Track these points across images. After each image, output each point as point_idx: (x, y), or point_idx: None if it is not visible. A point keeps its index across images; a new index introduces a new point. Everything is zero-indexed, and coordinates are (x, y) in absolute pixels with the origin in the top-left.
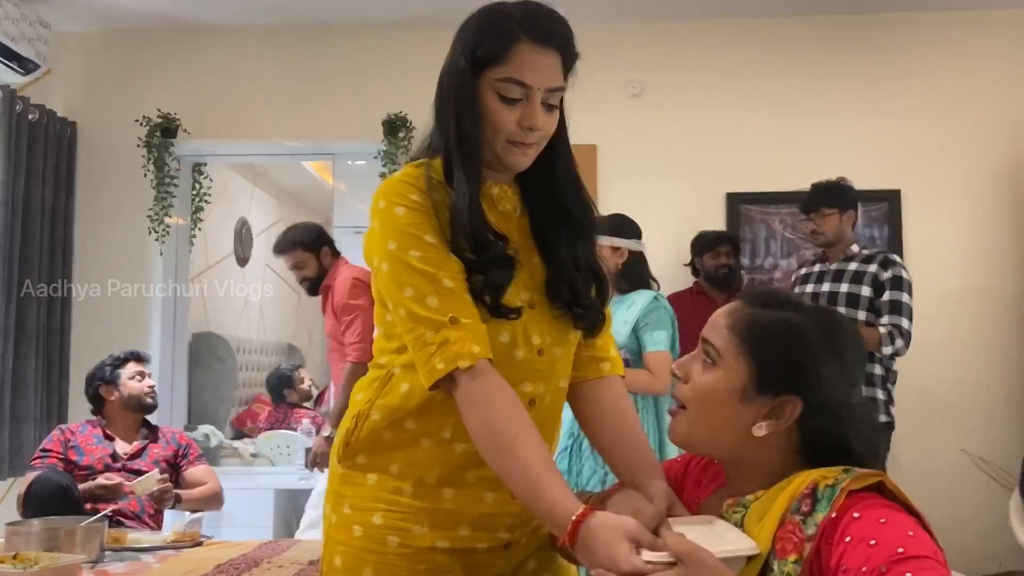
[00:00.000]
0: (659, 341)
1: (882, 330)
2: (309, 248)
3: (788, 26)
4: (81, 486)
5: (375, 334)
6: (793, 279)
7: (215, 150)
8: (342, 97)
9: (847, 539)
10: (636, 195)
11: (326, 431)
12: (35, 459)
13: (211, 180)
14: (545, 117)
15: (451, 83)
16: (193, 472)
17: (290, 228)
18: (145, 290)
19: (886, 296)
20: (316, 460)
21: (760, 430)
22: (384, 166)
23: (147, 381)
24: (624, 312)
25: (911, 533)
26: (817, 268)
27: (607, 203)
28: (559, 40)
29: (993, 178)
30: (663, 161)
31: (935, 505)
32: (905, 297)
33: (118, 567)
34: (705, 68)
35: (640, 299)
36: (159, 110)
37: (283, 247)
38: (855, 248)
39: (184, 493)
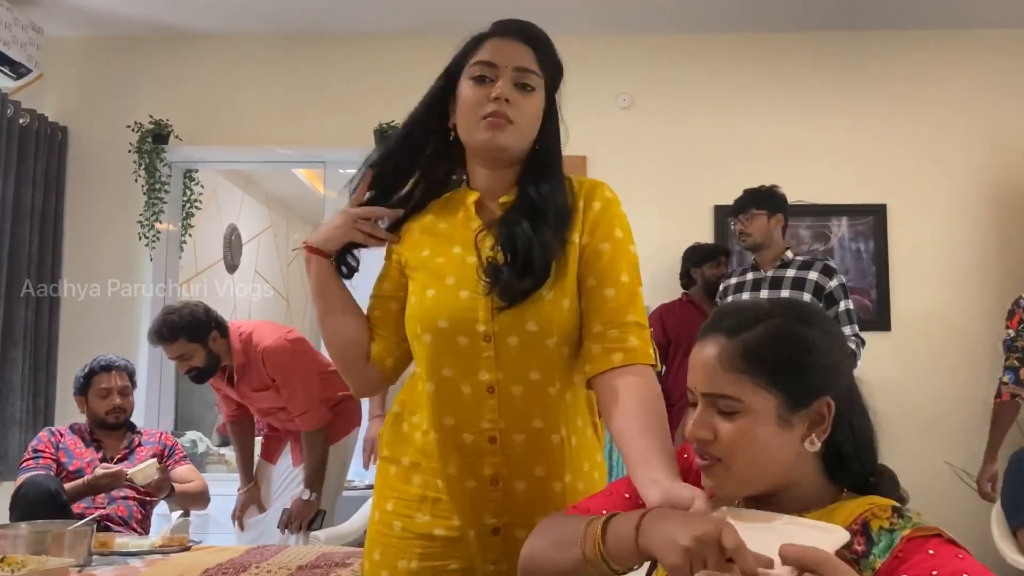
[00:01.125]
0: None
1: (851, 345)
2: (196, 338)
3: (776, 41)
4: (85, 478)
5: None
6: (722, 288)
7: (206, 156)
8: (333, 105)
9: (934, 573)
10: (625, 206)
11: (305, 494)
12: (26, 460)
13: (202, 187)
14: (516, 94)
15: (428, 93)
16: (179, 471)
17: (169, 313)
18: (134, 293)
19: (841, 307)
20: (290, 521)
21: (813, 445)
22: None
23: (112, 398)
24: None
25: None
26: (751, 276)
27: None
28: (525, 33)
29: (977, 193)
30: (652, 173)
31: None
32: (852, 303)
33: (106, 571)
34: (694, 82)
35: None
36: (151, 116)
37: (165, 337)
38: (789, 254)
39: (177, 485)
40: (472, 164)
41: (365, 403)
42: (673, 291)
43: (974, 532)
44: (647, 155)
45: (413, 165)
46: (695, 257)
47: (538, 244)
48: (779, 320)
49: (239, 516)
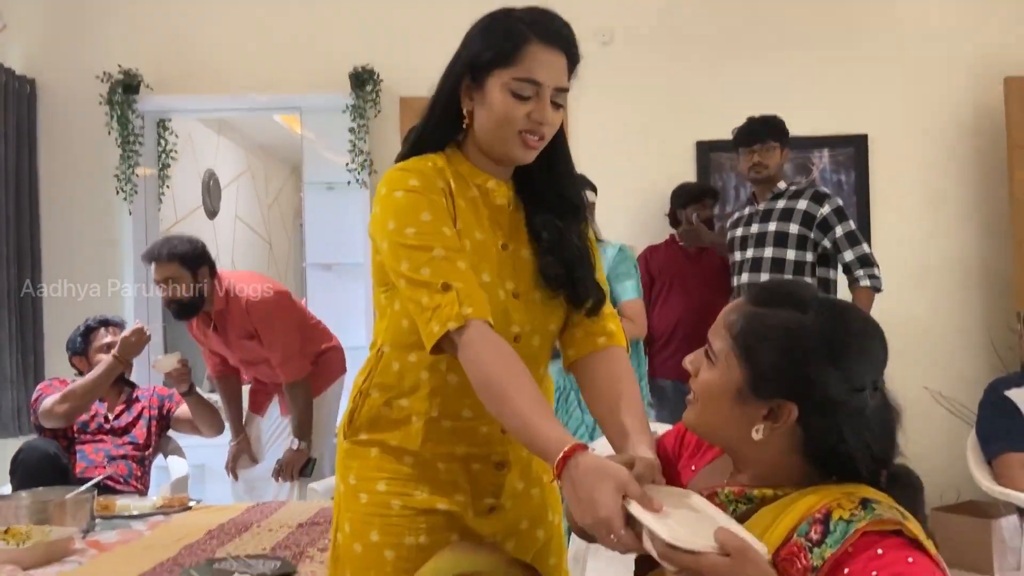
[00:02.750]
0: (630, 290)
1: (864, 283)
2: (189, 266)
3: None
4: (107, 357)
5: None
6: (728, 224)
7: (179, 106)
8: (307, 50)
9: (873, 574)
10: (607, 145)
11: (294, 444)
12: (44, 389)
13: (176, 136)
14: (552, 114)
15: (444, 84)
16: (183, 409)
17: (170, 238)
18: (115, 247)
19: (839, 231)
20: (281, 470)
21: (757, 433)
22: (352, 120)
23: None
24: None
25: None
26: (748, 210)
27: (579, 154)
28: (565, 42)
29: (957, 122)
30: (633, 109)
31: (899, 440)
32: (853, 224)
33: (110, 535)
34: (673, 16)
35: (608, 252)
36: (120, 66)
37: (160, 256)
38: (782, 185)
39: (198, 393)
40: (475, 149)
41: (349, 354)
42: (654, 230)
43: (952, 458)
44: (627, 93)
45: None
46: (681, 199)
47: (581, 255)
48: (802, 316)
49: (232, 467)
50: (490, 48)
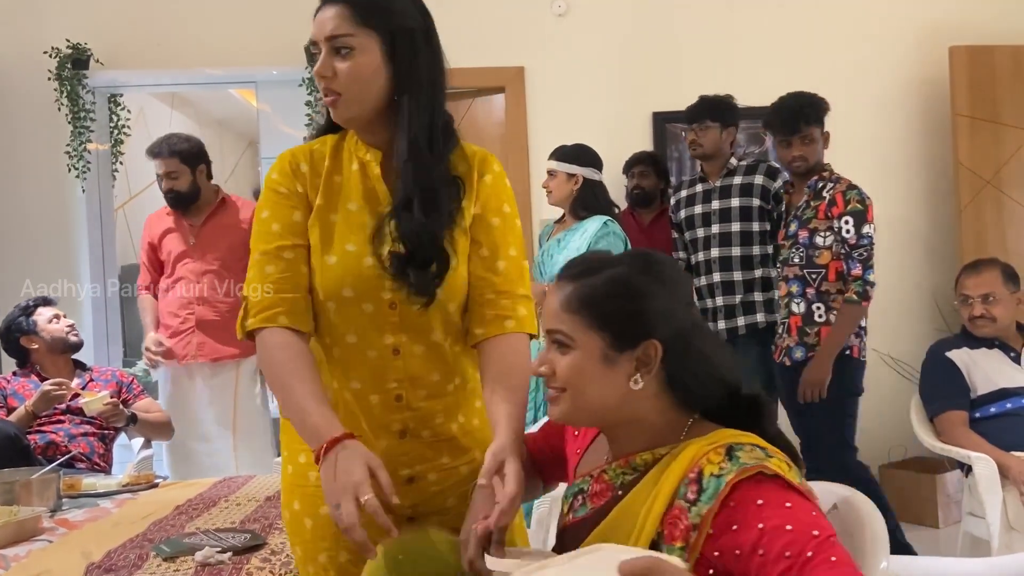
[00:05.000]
0: None
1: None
2: (188, 162)
3: None
4: (27, 403)
5: None
6: (674, 201)
7: (131, 80)
8: (262, 22)
9: (760, 526)
10: (564, 116)
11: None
12: None
13: (129, 111)
14: (334, 63)
15: None
16: (141, 405)
17: (173, 135)
18: (69, 225)
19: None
20: None
21: (637, 384)
22: (309, 93)
23: (64, 321)
24: (578, 238)
25: (815, 513)
26: (700, 188)
27: (537, 124)
28: None
29: (903, 91)
30: (590, 80)
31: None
32: None
33: (77, 514)
34: None
35: (591, 225)
36: (68, 40)
37: (162, 153)
38: (734, 161)
39: (141, 415)
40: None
41: None
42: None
43: (899, 417)
44: (584, 63)
45: None
46: (625, 166)
47: (429, 234)
48: (621, 269)
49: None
50: None
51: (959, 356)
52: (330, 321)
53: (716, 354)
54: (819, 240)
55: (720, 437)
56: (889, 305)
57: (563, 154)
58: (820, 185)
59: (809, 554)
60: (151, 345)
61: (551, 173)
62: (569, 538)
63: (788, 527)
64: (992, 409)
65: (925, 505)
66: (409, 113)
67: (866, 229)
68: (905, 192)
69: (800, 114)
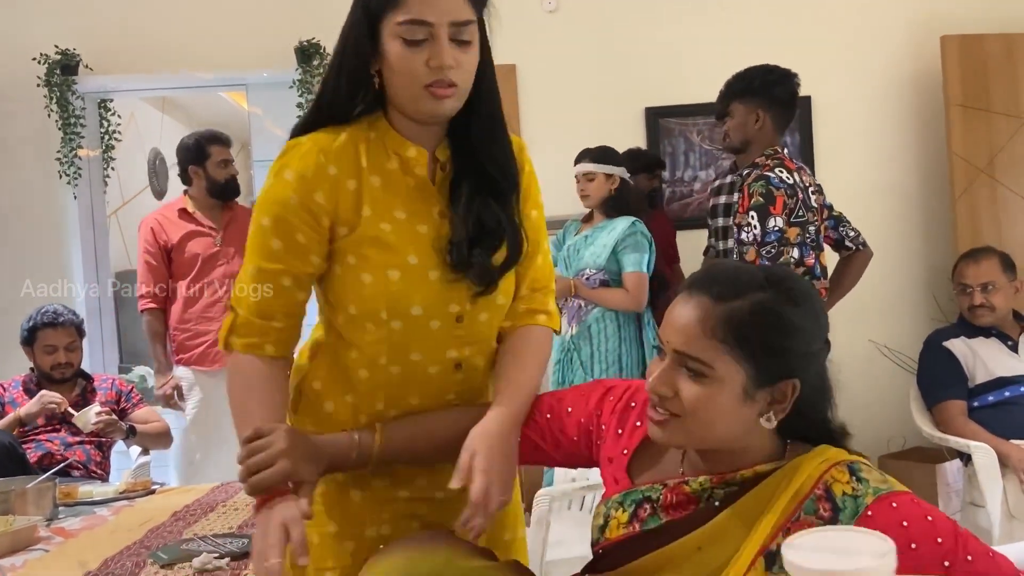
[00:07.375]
0: (632, 263)
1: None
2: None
3: None
4: (22, 409)
5: None
6: (708, 191)
7: (121, 85)
8: (252, 24)
9: (913, 546)
10: (556, 113)
11: None
12: None
13: (119, 116)
14: (456, 53)
15: (347, 39)
16: (139, 414)
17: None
18: (62, 232)
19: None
20: None
21: (770, 422)
22: (300, 95)
23: (58, 355)
24: (606, 236)
25: (947, 518)
26: (729, 179)
27: (528, 122)
28: None
29: (896, 81)
30: (582, 77)
31: (847, 392)
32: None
33: (74, 523)
34: None
35: (620, 224)
36: (57, 46)
37: (230, 142)
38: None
39: (139, 426)
40: (396, 113)
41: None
42: None
43: (897, 407)
44: (575, 60)
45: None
46: (634, 165)
47: (509, 223)
48: (768, 295)
49: (168, 397)
50: None
51: (957, 345)
52: (392, 341)
53: (831, 385)
54: (744, 236)
55: (830, 454)
56: (885, 296)
57: (598, 156)
58: (746, 172)
59: (969, 558)
60: (167, 390)
61: (588, 176)
62: (635, 547)
63: (939, 540)
64: (990, 398)
65: (926, 495)
66: (491, 93)
67: (771, 223)
68: (899, 182)
69: (725, 92)
